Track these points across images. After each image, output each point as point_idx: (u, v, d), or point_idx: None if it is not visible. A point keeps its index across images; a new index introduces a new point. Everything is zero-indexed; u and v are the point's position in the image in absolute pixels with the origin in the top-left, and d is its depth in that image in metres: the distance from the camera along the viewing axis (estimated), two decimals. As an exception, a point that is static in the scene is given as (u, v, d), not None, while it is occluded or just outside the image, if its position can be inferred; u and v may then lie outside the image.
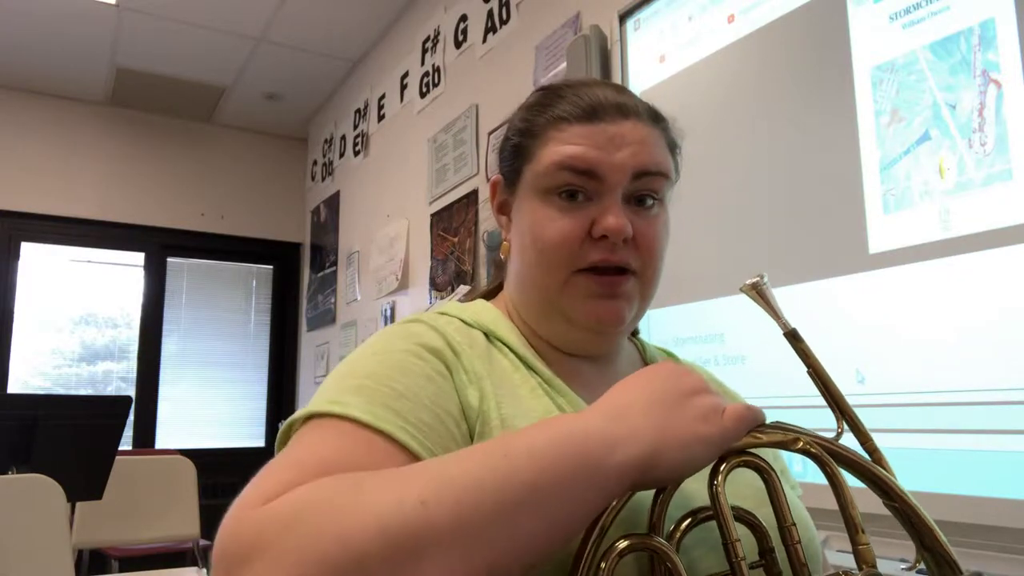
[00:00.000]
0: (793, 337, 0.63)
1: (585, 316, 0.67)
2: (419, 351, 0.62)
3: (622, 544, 0.49)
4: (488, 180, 3.10)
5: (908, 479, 1.37)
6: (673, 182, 0.72)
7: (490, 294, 0.79)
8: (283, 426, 0.59)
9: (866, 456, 0.58)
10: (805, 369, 0.63)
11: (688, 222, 1.75)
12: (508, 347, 0.69)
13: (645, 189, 0.68)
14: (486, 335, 0.69)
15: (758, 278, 0.64)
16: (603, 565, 0.49)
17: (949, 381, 1.25)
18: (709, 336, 1.69)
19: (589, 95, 0.69)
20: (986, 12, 1.25)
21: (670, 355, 0.83)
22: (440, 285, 3.14)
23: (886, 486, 0.55)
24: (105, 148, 4.52)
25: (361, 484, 0.45)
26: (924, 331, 1.29)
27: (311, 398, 0.59)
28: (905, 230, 1.34)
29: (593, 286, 0.67)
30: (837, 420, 0.60)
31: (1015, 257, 1.18)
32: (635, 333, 0.83)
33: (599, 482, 0.47)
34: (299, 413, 0.58)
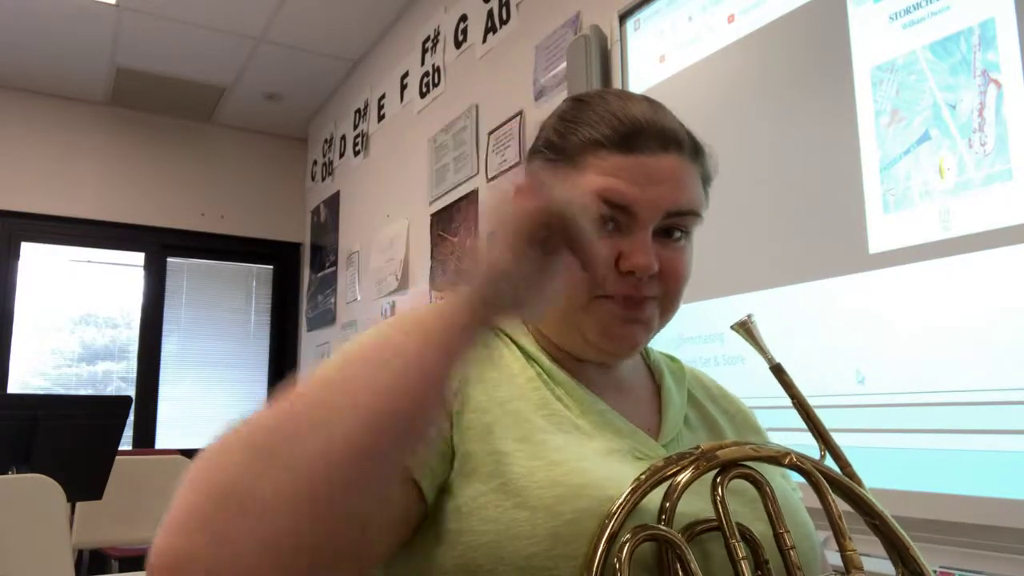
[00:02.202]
0: (778, 371, 0.68)
1: (599, 337, 0.67)
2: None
3: (638, 535, 0.51)
4: (488, 180, 3.07)
5: (908, 479, 1.37)
6: (703, 218, 0.72)
7: None
8: None
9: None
10: (790, 400, 0.67)
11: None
12: (510, 338, 0.70)
13: (675, 225, 0.68)
14: None
15: (747, 318, 0.69)
16: (620, 556, 0.50)
17: (949, 381, 1.25)
18: (709, 336, 1.69)
19: (627, 116, 0.68)
20: (986, 12, 1.25)
21: (674, 360, 0.83)
22: (440, 285, 3.14)
23: (867, 507, 0.58)
24: (105, 148, 4.51)
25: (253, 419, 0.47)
26: (924, 331, 1.29)
27: None
28: (905, 230, 1.34)
29: (616, 310, 0.67)
30: (820, 448, 0.65)
31: (1015, 257, 1.18)
32: None
33: (443, 318, 0.49)
34: None
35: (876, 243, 1.38)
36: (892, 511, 0.59)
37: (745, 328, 0.68)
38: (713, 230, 1.68)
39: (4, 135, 4.27)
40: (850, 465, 0.63)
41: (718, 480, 0.54)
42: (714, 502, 0.53)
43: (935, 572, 1.21)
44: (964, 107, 1.27)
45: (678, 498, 0.53)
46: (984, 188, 1.23)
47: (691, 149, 0.70)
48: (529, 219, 0.51)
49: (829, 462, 0.63)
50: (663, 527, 0.52)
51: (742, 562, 0.52)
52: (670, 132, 0.68)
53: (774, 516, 0.55)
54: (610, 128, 0.67)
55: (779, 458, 0.57)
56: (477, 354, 0.50)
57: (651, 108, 0.70)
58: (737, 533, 0.53)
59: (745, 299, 1.60)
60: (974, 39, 1.26)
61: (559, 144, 0.70)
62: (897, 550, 0.56)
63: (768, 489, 0.56)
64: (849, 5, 1.48)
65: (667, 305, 0.70)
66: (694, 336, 1.72)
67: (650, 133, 0.67)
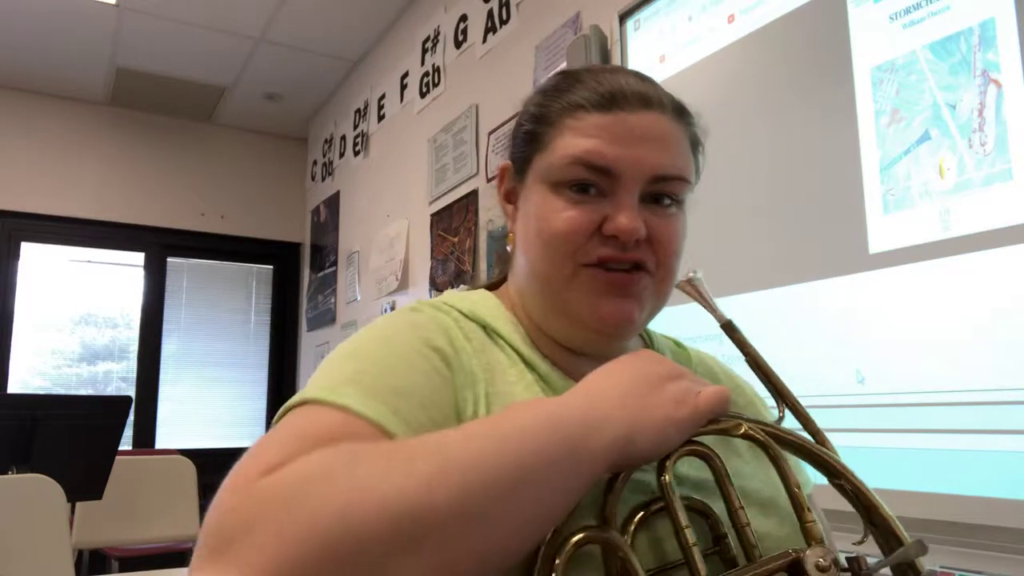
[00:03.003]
0: (729, 328, 0.64)
1: (589, 314, 0.63)
2: (422, 347, 0.60)
3: (575, 537, 0.50)
4: (488, 180, 3.08)
5: (908, 479, 1.37)
6: (694, 185, 0.68)
7: (493, 285, 0.76)
8: (279, 411, 0.58)
9: (809, 438, 0.59)
10: (744, 358, 0.64)
11: (687, 222, 1.75)
12: (506, 341, 0.67)
13: (664, 191, 0.65)
14: (484, 328, 0.67)
15: (692, 273, 0.64)
16: (557, 561, 0.49)
17: (949, 381, 1.25)
18: (709, 336, 1.69)
19: (610, 81, 0.65)
20: (986, 12, 1.25)
21: (679, 345, 0.81)
22: (440, 285, 3.14)
23: (829, 465, 0.56)
24: (105, 148, 4.51)
25: (359, 458, 0.45)
26: (924, 331, 1.29)
27: (308, 381, 0.58)
28: (905, 230, 1.34)
29: (601, 282, 0.63)
30: (778, 405, 0.62)
31: (1015, 257, 1.18)
32: None
33: (583, 464, 0.49)
34: (294, 398, 0.56)
35: (876, 243, 1.38)
36: (892, 511, 0.57)
37: (692, 285, 0.64)
38: (713, 230, 1.68)
39: (4, 135, 4.27)
40: (812, 422, 0.61)
41: (667, 460, 0.53)
42: (659, 482, 0.53)
43: (935, 572, 1.21)
44: (964, 107, 1.27)
45: (621, 488, 0.52)
46: (984, 188, 1.23)
47: (675, 110, 0.66)
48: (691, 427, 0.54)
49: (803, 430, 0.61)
50: (601, 528, 0.51)
51: (685, 532, 0.52)
52: (654, 94, 0.65)
53: (727, 493, 0.55)
54: (590, 91, 0.64)
55: (731, 430, 0.55)
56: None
57: (637, 77, 0.67)
58: (681, 511, 0.52)
59: (745, 299, 1.59)
60: (974, 39, 1.26)
61: (540, 114, 0.67)
62: (865, 509, 0.55)
63: (718, 463, 0.55)
64: (849, 5, 1.48)
65: (661, 278, 0.65)
66: (694, 336, 1.71)
67: (631, 93, 0.64)
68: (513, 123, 0.74)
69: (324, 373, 0.58)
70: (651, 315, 0.68)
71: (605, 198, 0.63)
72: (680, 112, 0.67)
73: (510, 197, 0.72)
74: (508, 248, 0.75)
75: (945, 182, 1.29)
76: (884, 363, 1.34)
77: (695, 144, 0.69)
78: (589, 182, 0.63)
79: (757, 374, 0.63)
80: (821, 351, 1.43)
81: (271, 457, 0.46)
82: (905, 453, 1.30)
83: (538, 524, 0.47)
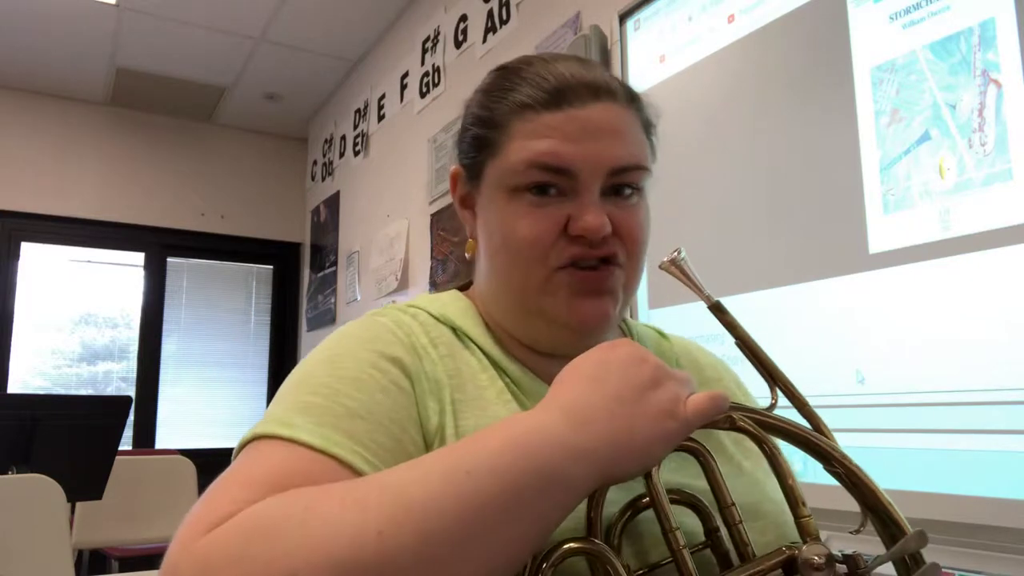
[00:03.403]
0: (717, 309, 0.61)
1: (568, 316, 0.62)
2: (377, 360, 0.58)
3: (561, 548, 0.48)
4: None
5: (908, 479, 1.37)
6: (651, 170, 0.66)
7: (464, 286, 0.75)
8: (236, 447, 0.56)
9: (805, 424, 0.57)
10: (733, 341, 0.61)
11: (688, 222, 1.75)
12: (476, 344, 0.65)
13: (624, 182, 0.63)
14: (454, 330, 0.66)
15: (676, 253, 0.60)
16: (544, 565, 0.48)
17: (949, 381, 1.25)
18: (709, 336, 1.69)
19: (553, 74, 0.63)
20: (986, 12, 1.25)
21: (661, 334, 0.80)
22: (440, 285, 3.14)
23: (825, 451, 0.54)
24: (105, 148, 4.51)
25: (311, 508, 0.43)
26: (924, 331, 1.29)
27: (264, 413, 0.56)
28: (905, 230, 1.34)
29: (576, 283, 0.62)
30: (771, 389, 0.59)
31: (1015, 257, 1.18)
32: None
33: (563, 496, 0.45)
34: (247, 433, 0.54)
35: (876, 243, 1.38)
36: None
37: (676, 265, 0.60)
38: (713, 230, 1.68)
39: (4, 135, 4.27)
40: (807, 405, 0.58)
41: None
42: (647, 484, 0.51)
43: (937, 565, 1.21)
44: (964, 107, 1.27)
45: (602, 498, 0.51)
46: (984, 188, 1.23)
47: (625, 96, 0.65)
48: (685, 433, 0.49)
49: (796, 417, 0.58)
50: (585, 540, 0.50)
51: (682, 551, 0.50)
52: (600, 81, 0.63)
53: (717, 489, 0.53)
54: (535, 88, 0.62)
55: (719, 423, 0.53)
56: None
57: (579, 63, 0.65)
58: (671, 515, 0.50)
59: (745, 299, 1.60)
60: (974, 39, 1.26)
61: (486, 117, 0.65)
62: (863, 496, 0.52)
63: (707, 459, 0.53)
64: (849, 5, 1.48)
65: (630, 271, 0.64)
66: (694, 336, 1.71)
67: (578, 85, 0.62)
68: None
69: (278, 401, 0.56)
70: (624, 307, 0.67)
71: (566, 197, 0.62)
72: (630, 97, 0.66)
73: (466, 202, 0.70)
74: (467, 255, 0.72)
75: (945, 182, 1.29)
76: (884, 363, 1.34)
77: (648, 127, 0.67)
78: (548, 184, 0.61)
79: (748, 356, 0.60)
80: (821, 351, 1.43)
81: (220, 508, 0.45)
82: (905, 453, 1.30)
83: (509, 560, 0.44)
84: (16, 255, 4.29)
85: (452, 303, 0.69)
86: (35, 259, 4.35)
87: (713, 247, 1.68)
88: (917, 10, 1.36)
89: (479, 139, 0.66)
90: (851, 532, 0.54)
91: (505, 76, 0.67)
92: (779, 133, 1.60)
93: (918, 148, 1.33)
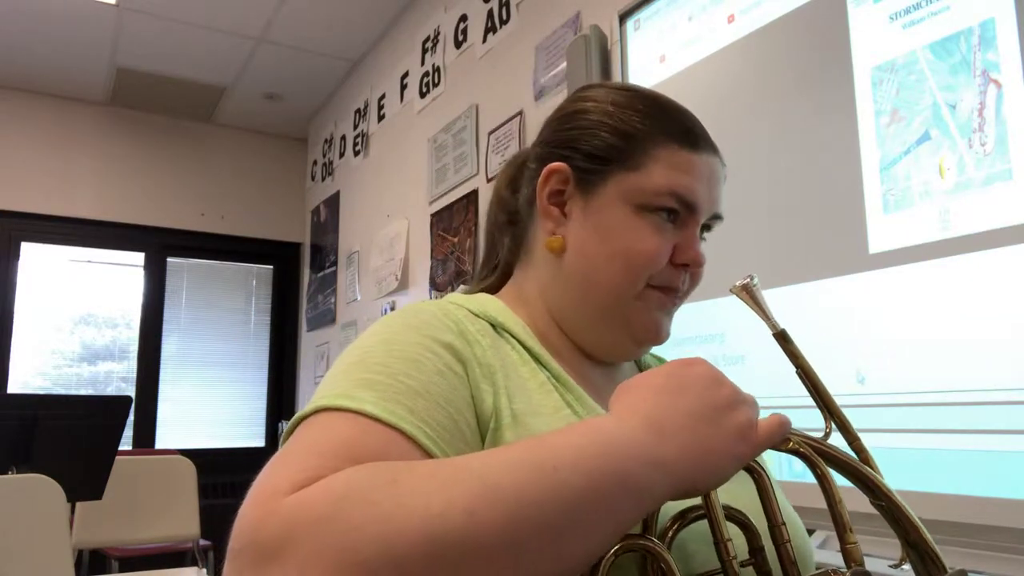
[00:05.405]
0: (783, 338, 0.63)
1: (645, 328, 0.70)
2: (430, 344, 0.59)
3: (616, 545, 0.49)
4: (488, 180, 3.07)
5: (908, 479, 1.36)
6: None
7: (490, 289, 0.77)
8: (290, 423, 0.55)
9: (853, 455, 0.59)
10: (794, 370, 0.63)
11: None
12: (516, 339, 0.67)
13: (710, 225, 0.73)
14: (493, 326, 0.67)
15: (748, 279, 0.63)
16: (605, 556, 0.49)
17: (949, 381, 1.25)
18: (709, 336, 1.69)
19: (688, 117, 0.71)
20: (986, 12, 1.25)
21: (660, 362, 0.83)
22: (440, 285, 3.14)
23: (873, 484, 0.55)
24: (105, 148, 4.52)
25: (399, 481, 0.43)
26: (924, 331, 1.29)
27: (314, 394, 0.56)
28: (905, 230, 1.34)
29: (663, 302, 0.70)
30: (825, 420, 0.62)
31: (1015, 257, 1.18)
32: None
33: (641, 502, 0.47)
34: (307, 407, 0.54)
35: (876, 243, 1.38)
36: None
37: (748, 291, 0.63)
38: (714, 230, 1.68)
39: (4, 135, 4.28)
40: (859, 439, 0.61)
41: None
42: (704, 497, 0.53)
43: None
44: (964, 107, 1.27)
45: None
46: (984, 188, 1.23)
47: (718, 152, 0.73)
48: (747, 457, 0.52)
49: (839, 439, 0.60)
50: (642, 536, 0.51)
51: (732, 560, 0.51)
52: (710, 136, 0.72)
53: (770, 508, 0.54)
54: (677, 125, 0.69)
55: (779, 444, 0.55)
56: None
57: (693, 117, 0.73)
58: (726, 530, 0.52)
59: (745, 299, 1.59)
60: (974, 39, 1.26)
61: (627, 131, 0.69)
62: (906, 532, 0.54)
63: (762, 478, 0.55)
64: (849, 5, 1.48)
65: (683, 297, 0.73)
66: (694, 336, 1.72)
67: (705, 134, 0.70)
68: (513, 125, 0.74)
69: (333, 382, 0.56)
70: None
71: (675, 227, 0.69)
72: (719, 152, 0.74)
73: (557, 199, 0.72)
74: (551, 248, 0.73)
75: (945, 182, 1.29)
76: (884, 363, 1.34)
77: None
78: (676, 212, 0.69)
79: (807, 386, 0.63)
80: (821, 351, 1.43)
81: (297, 474, 0.45)
82: (905, 453, 1.30)
83: (585, 556, 0.46)
84: (16, 255, 4.29)
85: (489, 302, 0.71)
86: (35, 259, 4.35)
87: (713, 247, 1.68)
88: (917, 10, 1.36)
89: (615, 149, 0.69)
90: (890, 567, 0.55)
91: (644, 100, 0.71)
92: (779, 133, 1.60)
93: (918, 148, 1.33)
